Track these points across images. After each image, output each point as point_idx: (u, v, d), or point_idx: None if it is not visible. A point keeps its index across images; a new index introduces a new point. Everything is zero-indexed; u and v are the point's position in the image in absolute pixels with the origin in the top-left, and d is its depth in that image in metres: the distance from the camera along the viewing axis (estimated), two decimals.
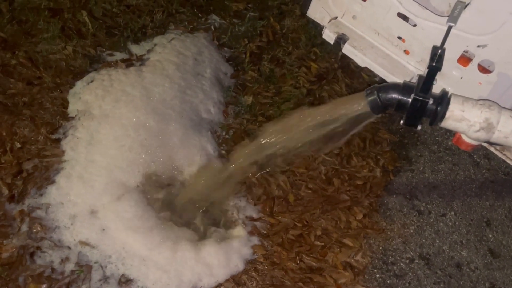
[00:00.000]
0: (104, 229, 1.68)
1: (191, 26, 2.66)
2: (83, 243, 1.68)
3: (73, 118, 2.04)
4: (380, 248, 2.00)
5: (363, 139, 2.38)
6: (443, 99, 1.27)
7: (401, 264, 1.97)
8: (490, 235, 2.10)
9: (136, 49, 2.42)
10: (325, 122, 1.39)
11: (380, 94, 1.31)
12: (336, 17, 1.63)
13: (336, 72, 2.64)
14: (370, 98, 1.32)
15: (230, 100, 2.43)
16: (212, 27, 2.70)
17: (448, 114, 1.26)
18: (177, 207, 1.91)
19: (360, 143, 2.36)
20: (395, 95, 1.30)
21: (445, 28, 1.21)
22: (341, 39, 1.60)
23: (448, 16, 1.20)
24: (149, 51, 2.41)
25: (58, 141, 1.95)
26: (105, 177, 1.79)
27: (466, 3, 1.25)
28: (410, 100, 1.27)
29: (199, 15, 2.75)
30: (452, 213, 2.15)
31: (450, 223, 2.11)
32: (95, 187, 1.76)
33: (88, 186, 1.77)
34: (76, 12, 2.46)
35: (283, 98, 2.46)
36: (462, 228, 2.11)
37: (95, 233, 1.68)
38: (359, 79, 2.64)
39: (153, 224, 1.73)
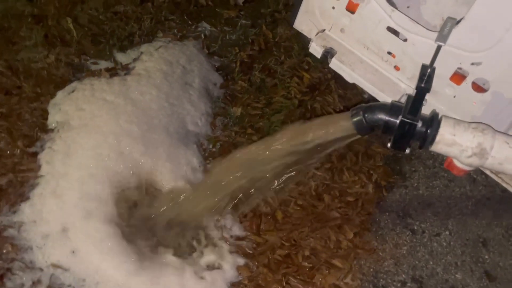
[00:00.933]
0: (74, 251, 1.59)
1: (181, 34, 2.58)
2: (55, 266, 1.60)
3: (52, 130, 1.96)
4: (371, 270, 1.91)
5: (356, 153, 2.29)
6: (433, 122, 1.18)
7: None
8: (486, 256, 2.01)
9: (121, 58, 2.35)
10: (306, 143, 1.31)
11: (366, 115, 1.23)
12: (324, 30, 1.55)
13: (329, 82, 2.56)
14: (355, 119, 1.24)
15: (218, 111, 2.35)
16: (202, 35, 2.63)
17: (438, 138, 1.17)
18: (158, 226, 1.82)
19: (352, 157, 2.28)
20: (382, 116, 1.21)
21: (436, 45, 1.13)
22: (328, 53, 1.52)
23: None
24: (135, 59, 2.34)
25: (35, 154, 1.87)
26: (77, 192, 1.70)
27: (458, 19, 1.17)
28: (397, 121, 1.19)
29: (189, 22, 2.67)
30: (447, 232, 2.06)
31: (444, 244, 2.02)
32: (67, 203, 1.68)
33: (60, 202, 1.68)
34: (61, 19, 2.39)
35: (273, 110, 2.38)
36: (457, 249, 2.01)
37: (66, 255, 1.59)
38: (352, 90, 2.56)
39: (129, 246, 1.64)
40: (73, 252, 1.61)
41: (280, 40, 2.71)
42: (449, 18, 1.11)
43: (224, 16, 2.76)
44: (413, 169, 2.29)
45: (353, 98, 2.53)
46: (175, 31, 2.59)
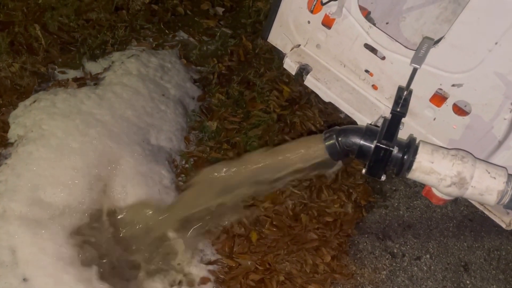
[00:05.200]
0: (25, 279, 1.46)
1: (156, 43, 2.48)
2: None
3: (12, 144, 1.83)
4: None
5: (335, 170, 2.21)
6: (410, 148, 1.10)
7: None
8: (468, 282, 1.94)
9: (91, 67, 2.23)
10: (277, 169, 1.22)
11: (339, 139, 1.14)
12: (299, 45, 1.46)
13: (309, 96, 2.48)
14: (328, 143, 1.15)
15: (193, 125, 2.24)
16: (179, 45, 2.53)
17: (415, 165, 1.09)
18: (121, 250, 1.70)
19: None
20: (356, 140, 1.13)
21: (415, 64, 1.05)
22: (303, 70, 1.43)
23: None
24: (106, 69, 2.22)
25: None
26: (31, 211, 1.57)
27: (436, 39, 1.09)
28: (372, 146, 1.10)
29: (166, 31, 2.57)
30: (428, 256, 1.98)
31: (425, 268, 1.94)
32: (18, 225, 1.54)
33: (9, 223, 1.55)
34: (29, 25, 2.27)
35: (251, 124, 2.29)
36: (437, 274, 1.93)
37: (16, 284, 1.46)
38: (333, 105, 2.48)
39: (89, 274, 1.51)
40: (24, 280, 1.48)
41: (261, 51, 2.62)
42: (426, 38, 1.03)
43: (203, 25, 2.67)
44: (394, 188, 2.22)
45: (334, 113, 2.46)
46: (150, 40, 2.48)
